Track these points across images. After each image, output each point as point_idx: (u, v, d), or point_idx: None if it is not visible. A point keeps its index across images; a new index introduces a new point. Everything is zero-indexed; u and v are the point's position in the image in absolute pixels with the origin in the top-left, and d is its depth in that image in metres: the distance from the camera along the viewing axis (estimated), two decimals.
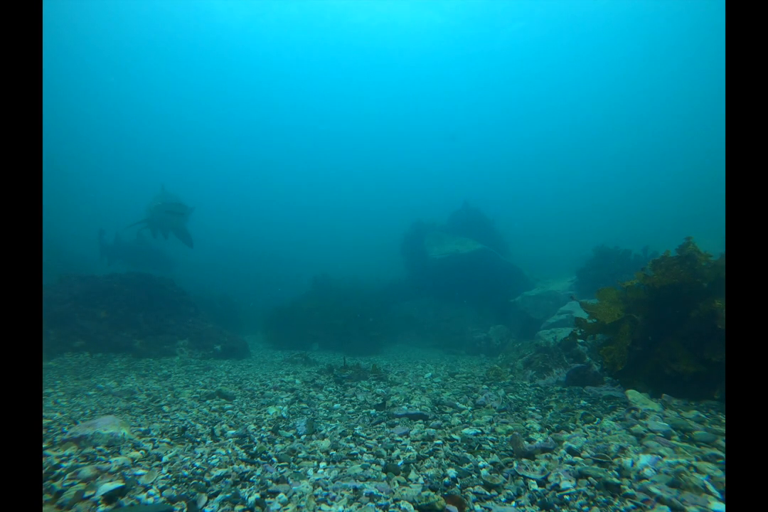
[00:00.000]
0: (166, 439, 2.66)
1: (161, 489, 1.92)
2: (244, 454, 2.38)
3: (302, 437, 2.73)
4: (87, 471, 2.05)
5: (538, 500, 1.79)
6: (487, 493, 1.89)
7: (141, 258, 16.85)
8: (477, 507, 1.77)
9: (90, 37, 33.46)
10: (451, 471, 2.09)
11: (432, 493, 1.81)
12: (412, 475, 2.08)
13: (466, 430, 2.79)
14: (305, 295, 13.64)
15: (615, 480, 1.89)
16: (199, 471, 2.12)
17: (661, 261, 3.47)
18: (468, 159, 50.88)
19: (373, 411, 3.43)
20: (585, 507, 1.72)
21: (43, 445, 2.45)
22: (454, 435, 2.68)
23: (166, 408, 3.57)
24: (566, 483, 1.90)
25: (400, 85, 46.55)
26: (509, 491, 1.89)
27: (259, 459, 2.32)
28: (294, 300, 12.45)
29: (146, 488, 1.93)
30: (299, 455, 2.38)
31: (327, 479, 2.04)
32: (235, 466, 2.19)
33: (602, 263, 10.11)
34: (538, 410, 3.33)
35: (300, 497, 1.85)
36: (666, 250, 3.55)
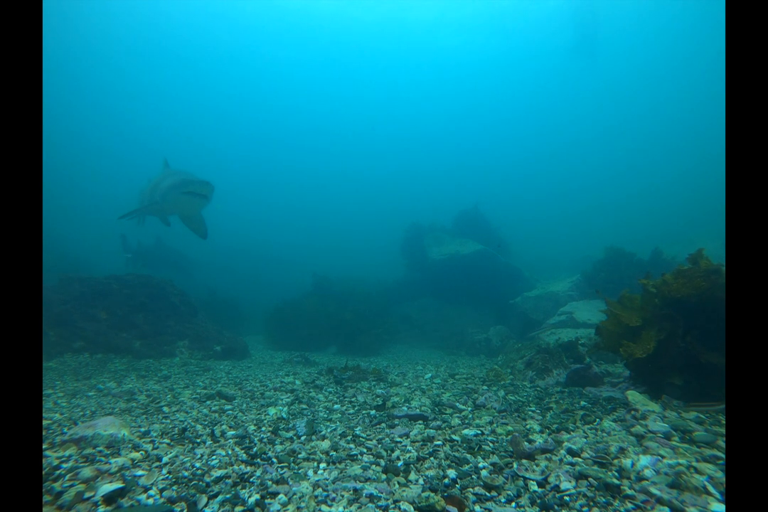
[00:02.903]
0: (166, 440, 2.66)
1: (161, 490, 1.92)
2: (244, 455, 2.38)
3: (302, 438, 2.73)
4: (87, 472, 2.05)
5: (538, 501, 1.79)
6: (487, 494, 1.88)
7: (161, 261, 16.99)
8: (477, 508, 1.77)
9: (88, 37, 33.52)
10: (451, 472, 2.09)
11: (432, 494, 1.81)
12: (412, 476, 2.08)
13: (466, 431, 2.78)
14: (305, 296, 13.64)
15: (615, 481, 1.89)
16: (199, 472, 2.12)
17: (686, 272, 3.47)
18: (470, 160, 50.97)
19: (373, 412, 3.42)
20: (585, 508, 1.72)
21: (43, 446, 2.44)
22: (454, 436, 2.68)
23: (166, 409, 3.57)
24: (566, 484, 1.90)
25: (404, 87, 46.66)
26: (509, 492, 1.89)
27: (259, 460, 2.31)
28: (294, 301, 12.45)
29: (146, 489, 1.93)
30: (299, 456, 2.38)
31: (327, 480, 2.04)
32: (235, 467, 2.19)
33: (612, 265, 9.95)
34: (538, 411, 3.33)
35: (300, 498, 1.85)
36: (677, 256, 3.56)
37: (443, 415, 3.25)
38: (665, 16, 31.18)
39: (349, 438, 2.71)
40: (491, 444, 2.52)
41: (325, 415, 3.35)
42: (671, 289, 3.48)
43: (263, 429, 2.93)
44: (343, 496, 1.86)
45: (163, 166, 9.15)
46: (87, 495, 1.85)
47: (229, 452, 2.42)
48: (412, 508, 1.76)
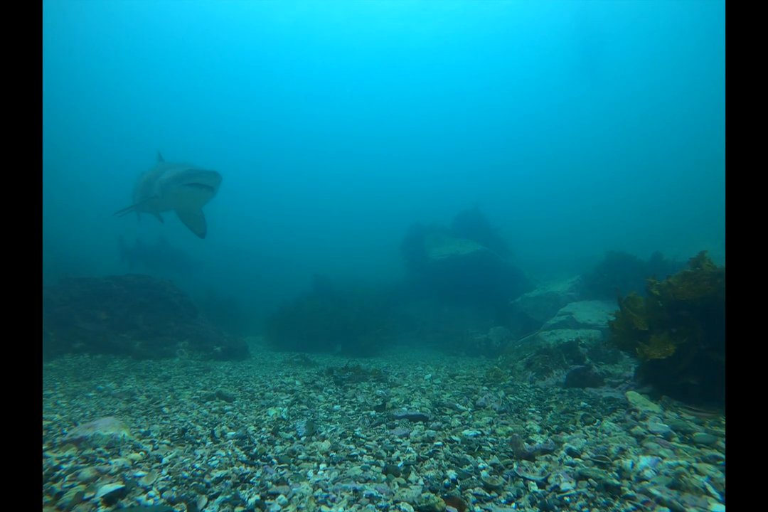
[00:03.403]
0: (166, 441, 2.66)
1: (161, 491, 1.92)
2: (244, 456, 2.38)
3: (302, 438, 2.73)
4: (87, 472, 2.05)
5: (539, 501, 1.79)
6: (487, 495, 1.89)
7: (163, 260, 17.02)
8: (477, 508, 1.77)
9: (88, 36, 33.56)
10: (451, 473, 2.09)
11: (432, 495, 1.81)
12: (412, 477, 2.08)
13: (466, 432, 2.78)
14: (306, 297, 13.65)
15: (615, 481, 1.89)
16: (199, 472, 2.12)
17: (693, 275, 3.48)
18: (471, 162, 51.05)
19: (373, 412, 3.42)
20: (585, 509, 1.72)
21: (43, 447, 2.44)
22: (454, 437, 2.68)
23: (166, 409, 3.57)
24: (566, 485, 1.90)
25: (405, 89, 46.77)
26: (509, 492, 1.89)
27: (259, 460, 2.31)
28: (294, 301, 12.44)
29: (146, 489, 1.93)
30: (299, 456, 2.38)
31: (327, 480, 2.04)
32: (235, 468, 2.19)
33: (614, 267, 9.92)
34: (538, 411, 3.33)
35: (300, 498, 1.85)
36: (677, 256, 3.56)
37: (443, 416, 3.25)
38: (672, 16, 31.26)
39: (349, 438, 2.71)
40: (491, 445, 2.52)
41: (325, 416, 3.35)
42: (676, 292, 3.47)
43: (263, 429, 2.93)
44: (343, 497, 1.86)
45: (157, 159, 8.46)
46: (87, 495, 1.85)
47: (229, 453, 2.42)
48: (412, 509, 1.76)
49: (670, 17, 30.67)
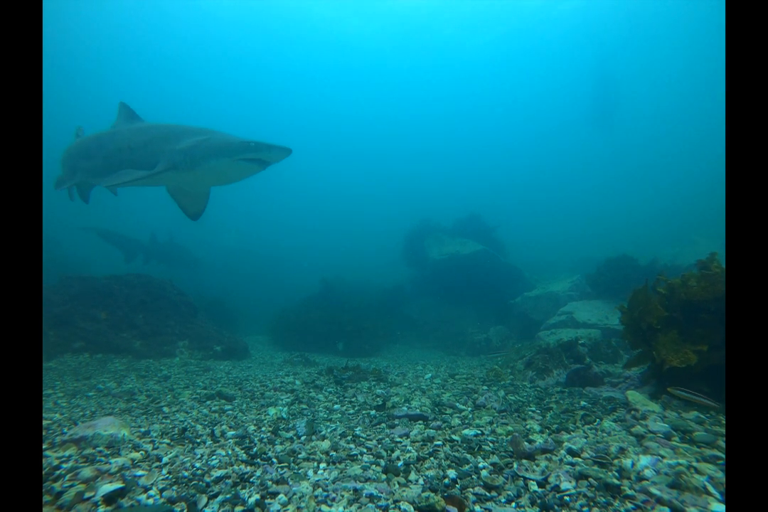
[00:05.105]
0: (166, 440, 2.66)
1: (161, 490, 1.92)
2: (244, 455, 2.38)
3: (302, 438, 2.73)
4: (87, 472, 2.05)
5: (539, 501, 1.79)
6: (487, 494, 1.89)
7: (172, 257, 17.10)
8: (477, 508, 1.77)
9: (89, 37, 33.57)
10: (451, 472, 2.09)
11: (432, 494, 1.81)
12: (412, 476, 2.08)
13: (466, 431, 2.78)
14: (307, 297, 13.66)
15: (615, 481, 1.89)
16: (199, 472, 2.12)
17: (712, 277, 3.48)
18: (473, 164, 51.04)
19: (372, 412, 3.42)
20: (585, 508, 1.72)
21: (43, 446, 2.44)
22: (454, 436, 2.68)
23: (166, 409, 3.57)
24: (566, 484, 1.90)
25: (407, 90, 46.86)
26: (509, 492, 1.89)
27: (259, 460, 2.31)
28: (296, 302, 12.44)
29: (146, 489, 1.93)
30: (299, 456, 2.38)
31: (327, 480, 2.04)
32: (235, 467, 2.19)
33: (616, 269, 9.96)
34: (538, 411, 3.33)
35: (300, 498, 1.85)
36: (678, 255, 3.55)
37: (443, 415, 3.25)
38: (670, 17, 31.23)
39: (349, 438, 2.71)
40: (491, 444, 2.52)
41: (325, 415, 3.35)
42: (690, 292, 3.45)
43: (263, 429, 2.93)
44: (343, 496, 1.86)
45: (123, 118, 6.39)
46: (87, 495, 1.85)
47: (229, 452, 2.42)
48: (412, 508, 1.76)
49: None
